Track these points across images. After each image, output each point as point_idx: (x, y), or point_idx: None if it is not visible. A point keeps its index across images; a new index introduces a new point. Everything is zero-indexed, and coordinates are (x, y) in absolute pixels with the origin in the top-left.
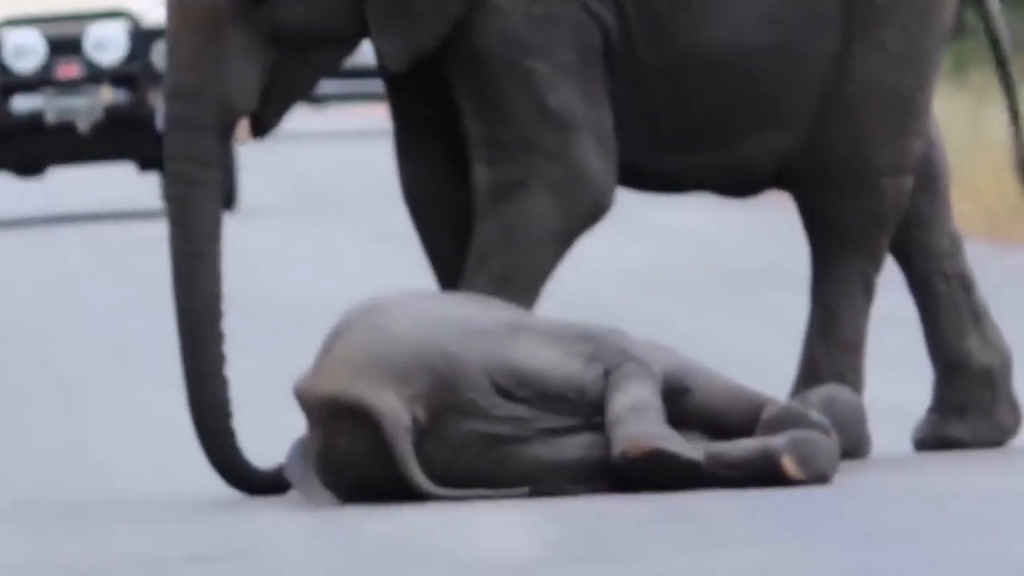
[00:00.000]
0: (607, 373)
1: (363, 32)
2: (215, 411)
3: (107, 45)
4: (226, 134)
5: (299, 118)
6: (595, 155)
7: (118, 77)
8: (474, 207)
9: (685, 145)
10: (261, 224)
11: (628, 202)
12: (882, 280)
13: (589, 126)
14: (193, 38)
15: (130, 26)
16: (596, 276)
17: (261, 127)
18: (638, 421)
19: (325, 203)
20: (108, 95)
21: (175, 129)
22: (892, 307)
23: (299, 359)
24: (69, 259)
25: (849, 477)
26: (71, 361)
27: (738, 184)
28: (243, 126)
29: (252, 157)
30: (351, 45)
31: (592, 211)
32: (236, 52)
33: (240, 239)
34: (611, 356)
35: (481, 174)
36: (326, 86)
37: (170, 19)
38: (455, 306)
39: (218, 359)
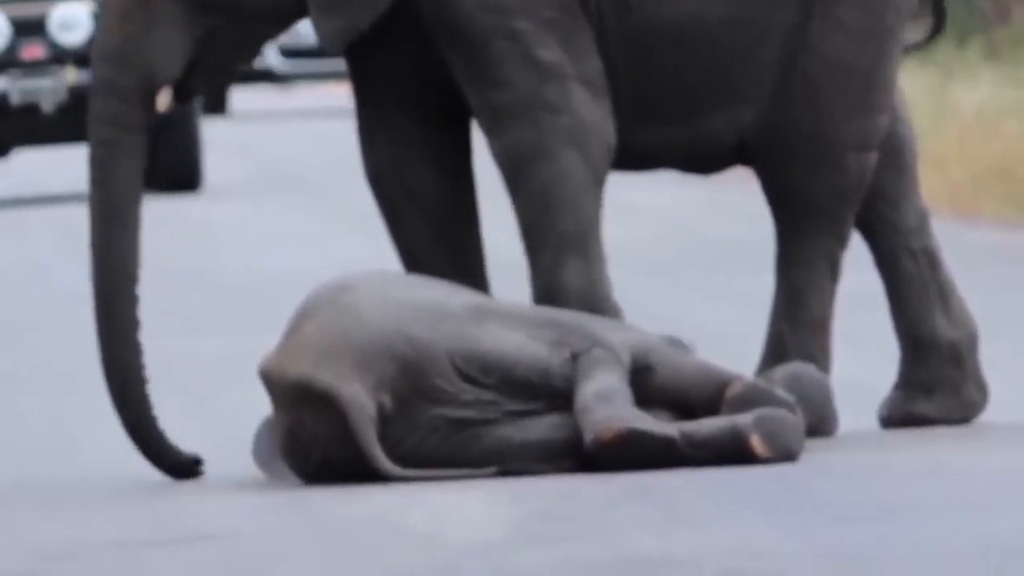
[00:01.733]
0: (574, 358)
1: (300, 10)
2: (131, 375)
3: (71, 26)
4: (148, 100)
5: (263, 97)
6: (592, 101)
7: (82, 58)
8: (502, 178)
9: (647, 120)
10: (226, 204)
11: None
12: (848, 257)
13: (580, 75)
14: (122, 2)
15: (94, 7)
16: None
17: (185, 95)
18: (607, 407)
19: (290, 183)
20: (73, 76)
21: (98, 93)
22: (858, 284)
23: (264, 339)
24: (36, 242)
25: (816, 455)
26: (43, 344)
27: (701, 160)
28: (165, 94)
29: (215, 136)
30: (287, 22)
31: (605, 152)
32: (164, 19)
33: (205, 218)
34: (578, 341)
35: (493, 146)
36: (289, 65)
37: None
38: (421, 289)
39: (132, 323)
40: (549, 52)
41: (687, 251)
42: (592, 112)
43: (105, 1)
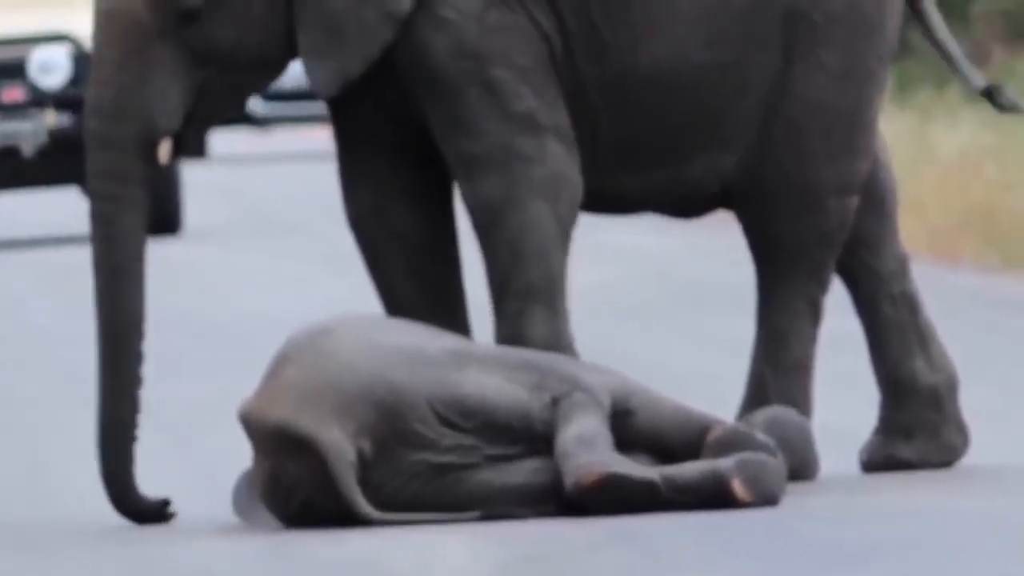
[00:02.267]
0: (554, 402)
1: (292, 55)
2: (122, 432)
3: (51, 69)
4: (148, 153)
5: (243, 141)
6: (564, 153)
7: (62, 101)
8: (472, 225)
9: (628, 165)
10: (206, 246)
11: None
12: (829, 301)
13: (554, 127)
14: (117, 54)
15: (73, 50)
16: None
17: (184, 147)
18: (588, 452)
19: (270, 225)
20: (52, 119)
21: (96, 147)
22: (838, 328)
23: (244, 381)
24: (14, 284)
25: (798, 499)
26: (19, 386)
27: (682, 204)
28: (165, 146)
29: (195, 179)
30: (279, 68)
31: (574, 205)
32: (161, 70)
33: (185, 261)
34: (558, 385)
35: (466, 193)
36: (269, 108)
37: (96, 34)
38: (400, 334)
39: (135, 380)
40: (523, 102)
41: (666, 293)
42: (564, 164)
43: (97, 53)
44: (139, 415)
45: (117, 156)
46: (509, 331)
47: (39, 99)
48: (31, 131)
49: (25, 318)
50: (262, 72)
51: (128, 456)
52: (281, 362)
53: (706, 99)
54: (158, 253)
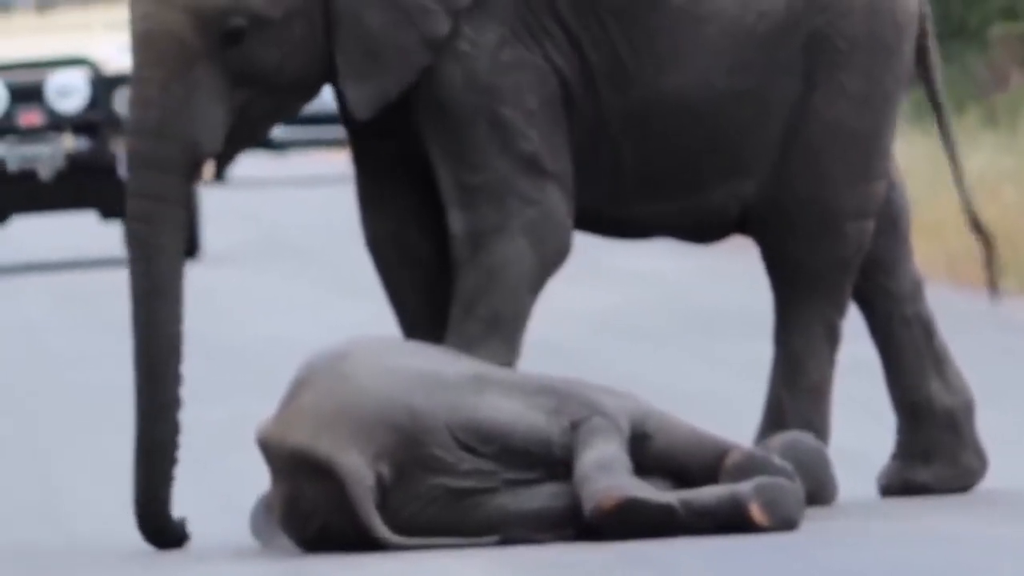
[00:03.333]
0: (573, 426)
1: (329, 78)
2: (162, 454)
3: (69, 93)
4: (190, 174)
5: (259, 164)
6: (562, 201)
7: (80, 125)
8: (451, 252)
9: (650, 192)
10: (224, 270)
11: (590, 246)
12: (846, 326)
13: (556, 173)
14: (160, 74)
15: (91, 74)
16: (560, 321)
17: (221, 168)
18: (606, 476)
19: (287, 249)
20: (70, 143)
21: (139, 167)
22: (855, 352)
23: (262, 405)
24: (31, 308)
25: (816, 523)
26: (35, 410)
27: (701, 229)
28: (208, 167)
29: (212, 203)
30: (316, 91)
31: (560, 254)
32: (204, 91)
33: (203, 285)
34: (577, 409)
35: (456, 219)
36: (286, 132)
37: (136, 54)
38: (419, 357)
39: (174, 402)
40: (529, 144)
41: (681, 317)
42: (559, 212)
43: (138, 74)
44: (179, 437)
45: (160, 176)
46: (461, 352)
47: (57, 123)
48: (49, 155)
49: (42, 342)
50: (300, 94)
51: (167, 479)
52: (299, 386)
53: (728, 126)
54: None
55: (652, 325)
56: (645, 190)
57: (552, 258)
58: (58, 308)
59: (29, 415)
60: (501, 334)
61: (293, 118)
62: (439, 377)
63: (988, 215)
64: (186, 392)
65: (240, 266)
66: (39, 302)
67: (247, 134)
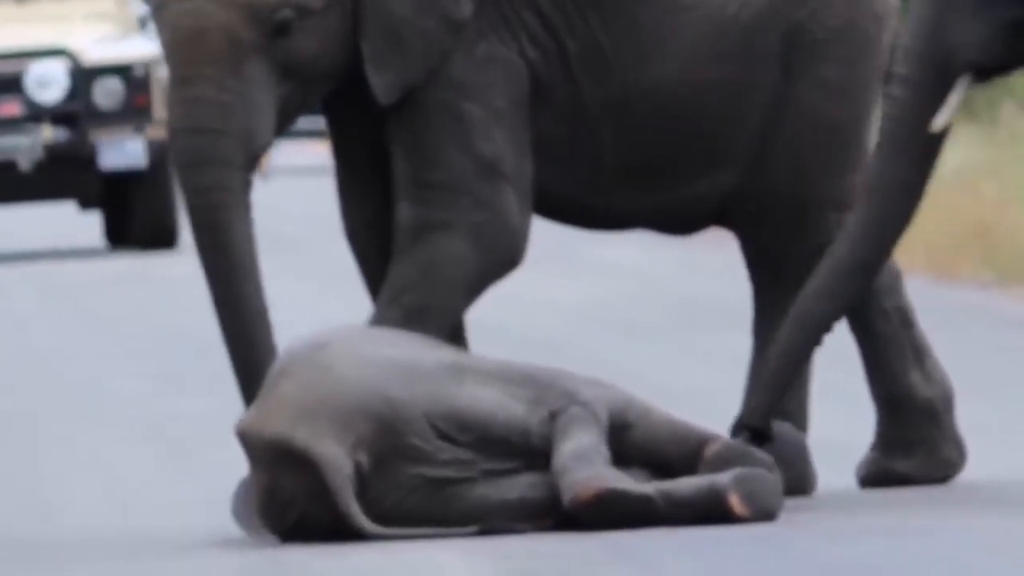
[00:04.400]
0: (552, 416)
1: (352, 66)
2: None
3: (48, 83)
4: (250, 168)
5: None
6: (517, 207)
7: (59, 115)
8: (394, 242)
9: (630, 182)
10: (186, 261)
11: (571, 238)
12: None
13: (515, 177)
14: (214, 71)
15: (70, 64)
16: (541, 313)
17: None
18: (584, 467)
19: (268, 240)
20: (49, 133)
21: (199, 163)
22: (834, 343)
23: (225, 396)
24: (15, 300)
25: (795, 515)
26: (18, 402)
27: (681, 221)
28: (265, 160)
29: None
30: (340, 78)
31: (507, 262)
32: (256, 85)
33: (185, 276)
34: (556, 399)
35: (405, 211)
36: None
37: (181, 51)
38: (398, 346)
39: (271, 351)
40: (491, 145)
41: (661, 309)
42: (513, 218)
43: (188, 73)
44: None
45: (223, 170)
46: None
47: (36, 113)
48: (28, 145)
49: (26, 334)
50: (326, 85)
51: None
52: (277, 376)
53: (709, 116)
54: (159, 268)
55: (634, 317)
56: (624, 180)
57: (497, 265)
58: (41, 300)
59: (12, 407)
60: (425, 327)
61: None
62: (418, 366)
63: (968, 209)
64: (169, 383)
65: None
66: (23, 294)
67: (283, 126)
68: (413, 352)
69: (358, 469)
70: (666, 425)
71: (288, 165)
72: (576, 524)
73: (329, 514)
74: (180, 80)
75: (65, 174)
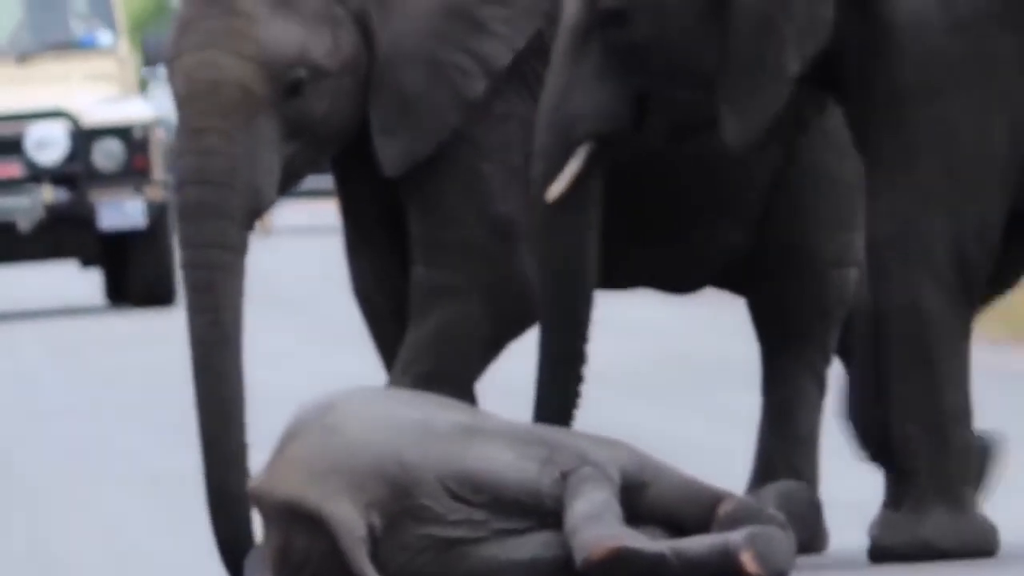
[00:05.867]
0: (564, 476)
1: (361, 132)
2: (240, 500)
3: (48, 145)
4: (250, 224)
5: None
6: (529, 268)
7: (59, 176)
8: (410, 305)
9: (638, 240)
10: None
11: None
12: (836, 377)
13: (518, 234)
14: (225, 124)
15: (70, 126)
16: None
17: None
18: (596, 526)
19: (274, 299)
20: (49, 194)
21: (202, 216)
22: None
23: (251, 455)
24: (19, 356)
25: (806, 573)
26: (20, 459)
27: (684, 279)
28: (267, 217)
29: None
30: (348, 142)
31: (520, 324)
32: (265, 141)
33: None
34: (568, 459)
35: (419, 275)
36: None
37: (194, 103)
38: (409, 407)
39: (243, 448)
40: (507, 205)
41: (673, 368)
42: (525, 281)
43: (199, 125)
44: (247, 482)
45: (224, 225)
46: None
47: (36, 175)
48: (28, 206)
49: (33, 393)
50: (336, 146)
51: (247, 526)
52: (289, 439)
53: (716, 175)
54: (162, 325)
55: (646, 376)
56: (633, 237)
57: (510, 328)
58: (45, 357)
59: (14, 465)
60: (435, 389)
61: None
62: (429, 427)
63: None
64: (175, 441)
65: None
66: (29, 352)
67: (287, 185)
68: (425, 413)
69: (370, 530)
70: (679, 484)
71: (294, 224)
72: None
73: (342, 574)
74: (192, 131)
75: (65, 234)
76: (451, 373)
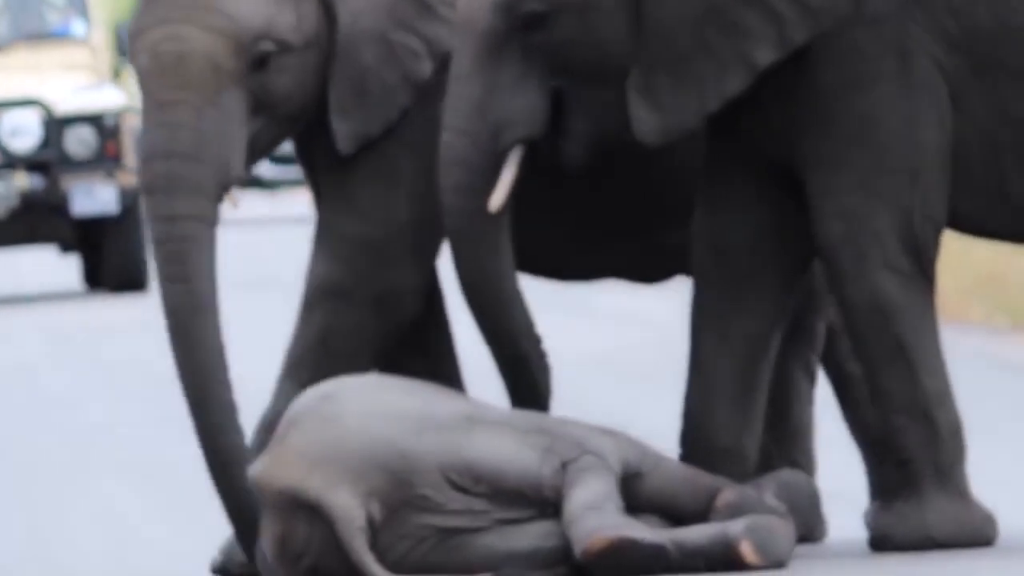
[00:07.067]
0: (564, 466)
1: (323, 109)
2: (238, 460)
3: (21, 133)
4: (220, 198)
5: (252, 203)
6: (421, 268)
7: (33, 164)
8: (303, 292)
9: (609, 236)
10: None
11: (580, 288)
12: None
13: (424, 239)
14: (193, 97)
15: (43, 114)
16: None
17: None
18: (596, 516)
19: (276, 288)
20: (24, 181)
21: (171, 190)
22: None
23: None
24: (16, 345)
25: (805, 561)
26: (20, 451)
27: (654, 271)
28: (234, 192)
29: None
30: (305, 122)
31: (403, 325)
32: (232, 115)
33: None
34: (568, 449)
35: (313, 264)
36: (278, 171)
37: (161, 77)
38: (410, 396)
39: (232, 409)
40: (416, 206)
41: (673, 358)
42: (415, 282)
43: (166, 98)
44: (243, 438)
45: (194, 198)
46: (280, 411)
47: (10, 162)
48: (2, 193)
49: (27, 381)
50: (296, 125)
51: (248, 488)
52: (289, 427)
53: (684, 171)
54: (140, 313)
55: (645, 366)
56: (597, 231)
57: (396, 327)
58: (40, 346)
59: (14, 456)
60: None
61: (284, 158)
62: (430, 416)
63: (979, 255)
64: (175, 429)
65: (231, 305)
66: (19, 339)
67: (252, 160)
68: (425, 402)
69: (370, 519)
70: (678, 474)
71: (297, 214)
72: (588, 573)
73: (342, 563)
74: (159, 105)
75: (39, 221)
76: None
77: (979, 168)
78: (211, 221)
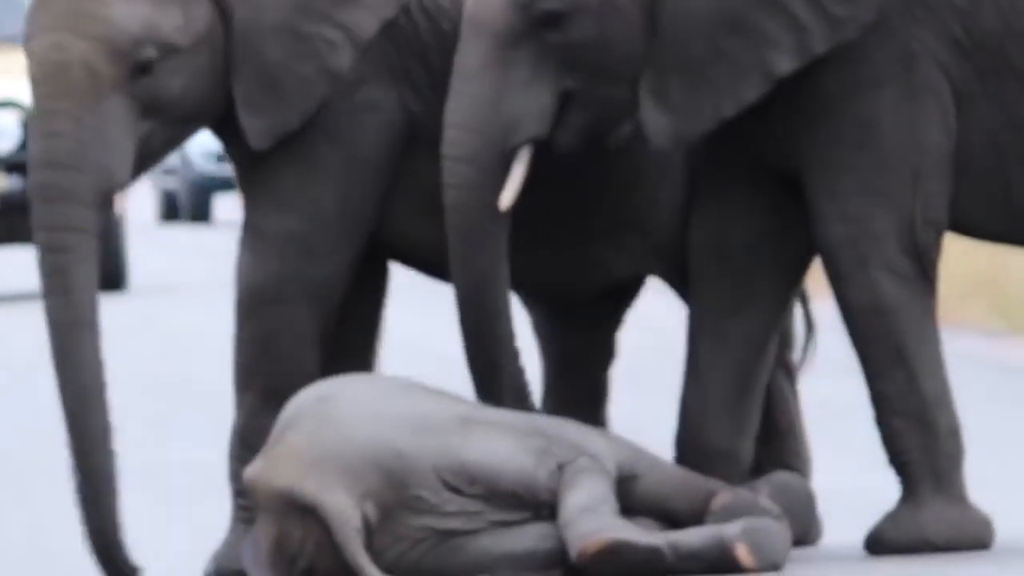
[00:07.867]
0: (560, 468)
1: (227, 108)
2: (107, 482)
3: (0, 134)
4: (103, 206)
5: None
6: (347, 260)
7: (12, 165)
8: (236, 298)
9: (533, 241)
10: (199, 311)
11: None
12: (827, 367)
13: (353, 233)
14: (71, 105)
15: (22, 116)
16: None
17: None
18: (591, 519)
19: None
20: (3, 182)
21: (49, 198)
22: (840, 394)
23: (223, 446)
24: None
25: (801, 564)
26: (16, 449)
27: (581, 284)
28: (119, 198)
29: (200, 243)
30: (209, 121)
31: (334, 315)
32: (114, 122)
33: (178, 324)
34: (563, 450)
35: (242, 264)
36: None
37: (43, 85)
38: (406, 397)
39: (106, 429)
40: (339, 195)
41: (669, 361)
42: (342, 273)
43: (46, 104)
44: (115, 463)
45: (74, 208)
46: (246, 423)
47: None
48: None
49: (26, 380)
50: (196, 125)
51: (112, 508)
52: (285, 428)
53: (618, 177)
54: (153, 314)
55: (641, 369)
56: (532, 242)
57: (328, 318)
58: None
59: (11, 457)
60: (280, 403)
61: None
62: (426, 417)
63: (976, 257)
64: (163, 432)
65: (214, 307)
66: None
67: (145, 165)
68: (421, 403)
69: (365, 520)
70: (674, 476)
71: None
72: (584, 575)
73: (337, 565)
74: (40, 114)
75: (19, 221)
76: (290, 378)
77: (982, 171)
78: (90, 231)
